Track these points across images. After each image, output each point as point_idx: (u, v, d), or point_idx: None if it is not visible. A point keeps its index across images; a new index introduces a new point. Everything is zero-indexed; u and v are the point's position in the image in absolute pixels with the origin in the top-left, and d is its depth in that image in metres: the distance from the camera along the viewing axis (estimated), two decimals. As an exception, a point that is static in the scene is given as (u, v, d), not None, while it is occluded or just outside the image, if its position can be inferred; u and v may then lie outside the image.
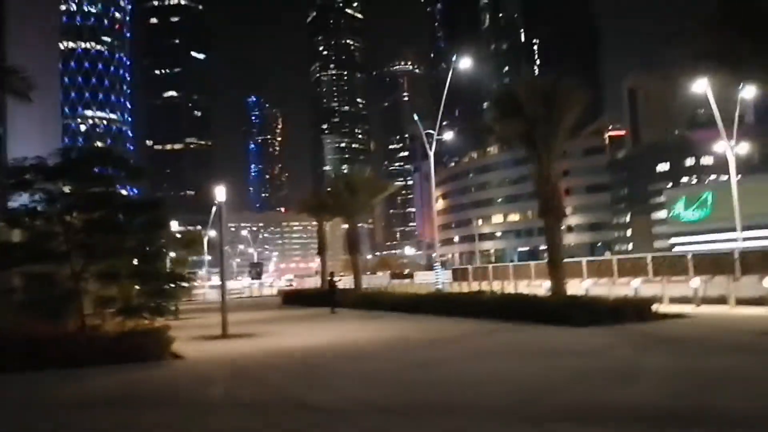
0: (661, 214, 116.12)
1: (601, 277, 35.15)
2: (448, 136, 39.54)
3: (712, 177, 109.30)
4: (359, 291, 33.22)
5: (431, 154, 35.81)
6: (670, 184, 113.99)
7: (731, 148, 47.59)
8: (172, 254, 25.31)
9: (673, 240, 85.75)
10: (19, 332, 13.31)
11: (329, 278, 32.83)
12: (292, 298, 41.11)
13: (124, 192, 18.46)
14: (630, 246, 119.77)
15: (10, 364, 12.22)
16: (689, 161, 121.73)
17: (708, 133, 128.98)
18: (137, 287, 15.69)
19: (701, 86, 43.81)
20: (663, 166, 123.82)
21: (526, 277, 40.39)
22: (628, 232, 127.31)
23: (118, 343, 13.63)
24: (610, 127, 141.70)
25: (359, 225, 62.36)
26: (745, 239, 43.67)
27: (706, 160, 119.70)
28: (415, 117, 39.16)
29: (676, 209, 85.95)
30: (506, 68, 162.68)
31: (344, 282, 66.40)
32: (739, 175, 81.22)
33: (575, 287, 30.65)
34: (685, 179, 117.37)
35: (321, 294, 32.93)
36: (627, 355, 11.46)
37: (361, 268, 36.52)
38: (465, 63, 38.00)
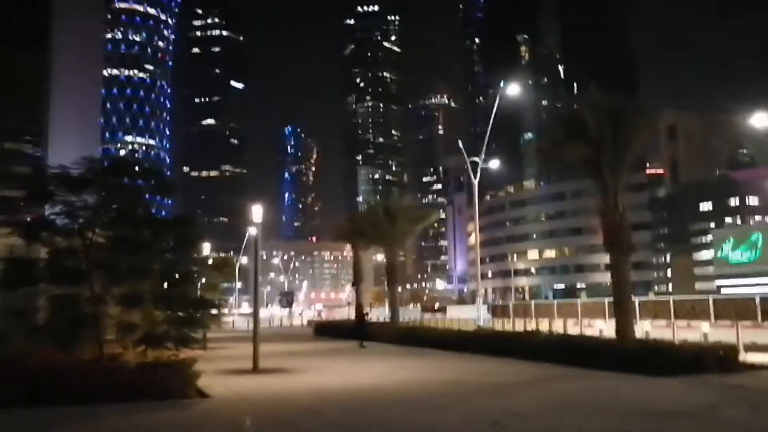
0: (704, 254, 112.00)
1: (656, 318, 32.77)
2: (494, 164, 37.73)
3: (758, 218, 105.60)
4: (396, 325, 31.31)
5: (475, 182, 34.05)
6: (712, 224, 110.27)
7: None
8: (203, 279, 23.87)
9: (719, 282, 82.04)
10: (26, 361, 11.83)
11: (358, 310, 31.25)
12: (324, 330, 39.39)
13: (154, 209, 17.00)
14: (670, 286, 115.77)
15: (12, 399, 10.68)
16: (733, 201, 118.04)
17: (752, 172, 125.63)
18: (162, 313, 14.12)
19: (761, 120, 41.46)
20: (705, 206, 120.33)
21: (572, 316, 38.18)
22: (668, 272, 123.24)
23: (137, 376, 12.02)
24: (648, 165, 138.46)
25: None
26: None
27: (752, 200, 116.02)
28: (460, 144, 37.55)
29: (724, 250, 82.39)
30: (545, 102, 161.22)
31: (376, 314, 64.59)
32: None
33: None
34: (729, 219, 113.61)
35: (355, 326, 31.16)
36: (751, 421, 9.41)
37: (398, 301, 34.64)
38: (513, 89, 36.49)
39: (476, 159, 35.11)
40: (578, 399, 11.45)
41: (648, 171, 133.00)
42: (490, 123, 34.56)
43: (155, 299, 13.97)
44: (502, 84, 34.58)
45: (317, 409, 10.57)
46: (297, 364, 18.88)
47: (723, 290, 73.68)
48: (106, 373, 11.94)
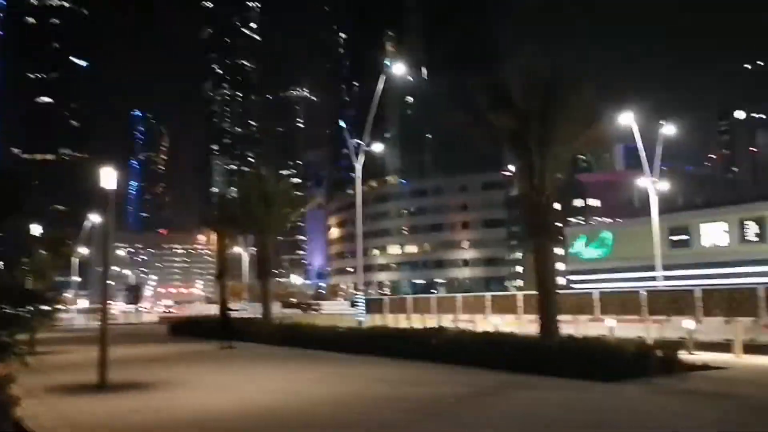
0: (555, 251, 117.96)
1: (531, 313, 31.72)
2: (378, 147, 35.12)
3: (598, 218, 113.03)
4: (271, 322, 27.61)
5: (359, 166, 31.19)
6: (559, 224, 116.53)
7: (653, 185, 46.98)
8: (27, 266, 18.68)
9: (570, 277, 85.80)
10: None
11: (224, 306, 27.39)
12: (182, 328, 34.61)
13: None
14: (521, 282, 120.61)
15: None
16: (578, 202, 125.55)
17: (593, 176, 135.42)
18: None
19: (626, 120, 42.30)
20: (554, 206, 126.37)
21: (451, 311, 36.46)
22: (518, 268, 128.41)
23: None
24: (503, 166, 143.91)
25: (252, 249, 56.29)
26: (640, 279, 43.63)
27: (593, 203, 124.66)
28: (342, 123, 34.45)
29: (576, 247, 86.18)
30: (410, 99, 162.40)
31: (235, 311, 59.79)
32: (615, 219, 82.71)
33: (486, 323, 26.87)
34: (573, 219, 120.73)
35: (221, 324, 27.10)
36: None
37: (271, 295, 30.83)
38: (398, 69, 34.08)
39: (359, 141, 32.30)
40: (559, 419, 8.78)
41: (504, 172, 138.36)
42: (374, 105, 31.87)
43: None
44: (387, 63, 31.99)
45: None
46: (158, 374, 14.81)
47: (574, 285, 76.76)
48: None
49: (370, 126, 31.37)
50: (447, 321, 31.34)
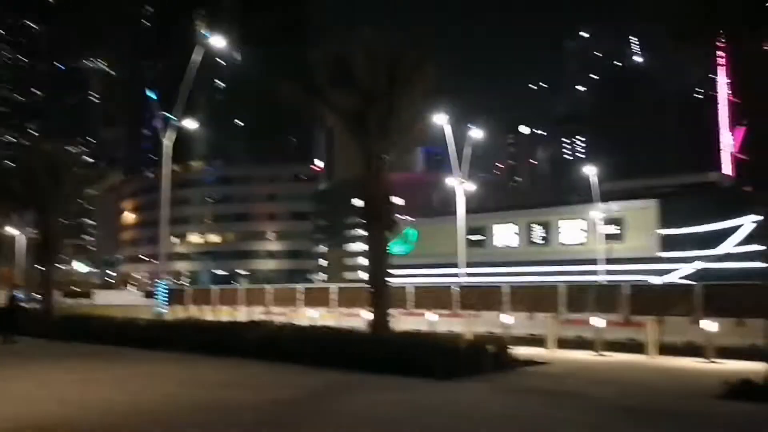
0: (353, 246, 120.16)
1: (353, 307, 31.31)
2: (192, 124, 32.27)
3: (402, 216, 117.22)
4: (53, 314, 23.84)
5: (168, 143, 28.18)
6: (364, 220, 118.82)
7: (461, 185, 49.43)
8: None
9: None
10: None
11: (12, 295, 23.23)
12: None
13: None
14: (324, 276, 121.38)
15: None
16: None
17: (396, 176, 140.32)
18: None
19: (441, 121, 43.80)
20: (358, 202, 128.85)
21: (261, 303, 34.88)
22: (321, 262, 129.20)
23: None
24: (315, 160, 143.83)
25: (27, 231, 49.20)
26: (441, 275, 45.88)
27: (396, 200, 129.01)
28: (152, 95, 31.11)
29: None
30: (220, 83, 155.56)
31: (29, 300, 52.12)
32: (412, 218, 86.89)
33: (306, 318, 25.96)
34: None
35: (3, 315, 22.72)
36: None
37: (53, 283, 26.70)
38: (218, 41, 31.57)
39: (170, 115, 29.24)
40: (415, 427, 7.79)
41: (316, 164, 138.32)
42: (190, 77, 29.07)
43: None
44: (206, 34, 29.52)
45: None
46: None
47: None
48: None
49: (185, 100, 28.53)
50: (257, 314, 29.72)
